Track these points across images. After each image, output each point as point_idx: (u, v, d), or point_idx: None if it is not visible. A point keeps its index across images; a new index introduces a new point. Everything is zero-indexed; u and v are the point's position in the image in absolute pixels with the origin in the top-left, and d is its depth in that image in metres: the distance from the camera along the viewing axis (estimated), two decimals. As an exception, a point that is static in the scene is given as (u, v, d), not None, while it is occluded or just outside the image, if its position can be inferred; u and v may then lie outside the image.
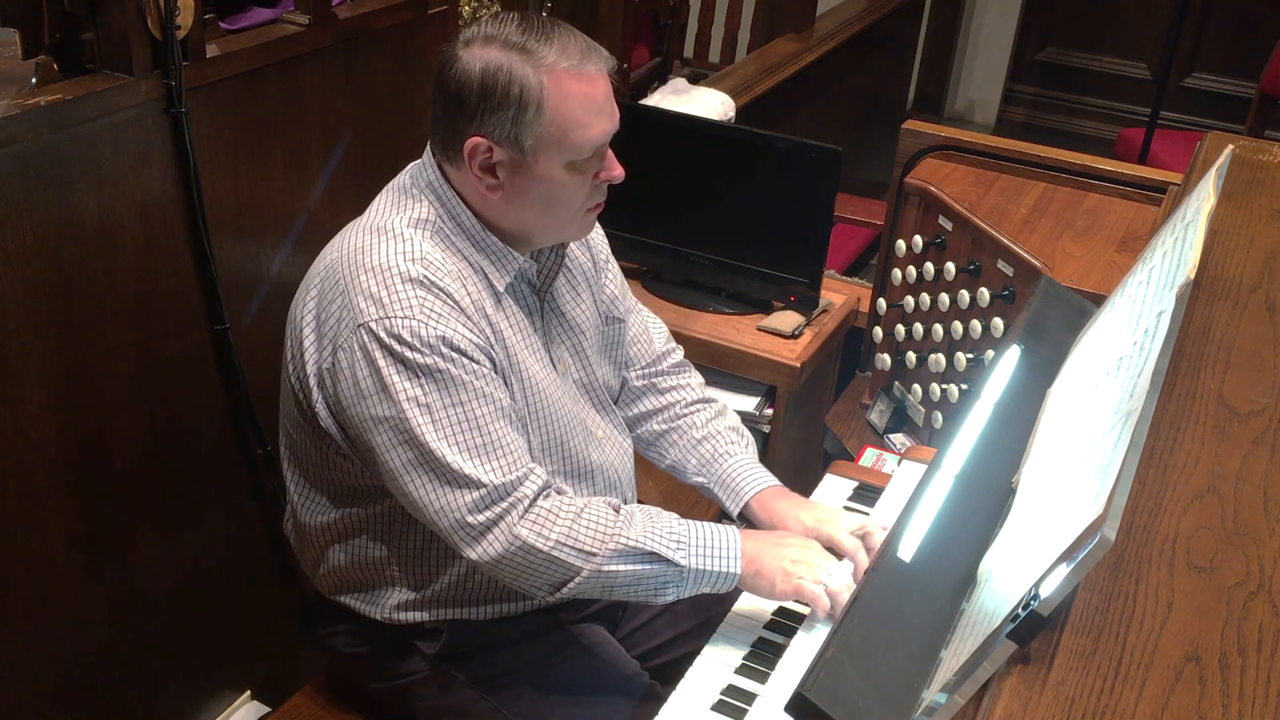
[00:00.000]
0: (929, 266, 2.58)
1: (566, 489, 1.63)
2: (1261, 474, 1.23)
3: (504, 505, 1.49)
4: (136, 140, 1.69)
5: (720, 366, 2.55)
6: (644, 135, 2.55)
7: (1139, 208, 2.56)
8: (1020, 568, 1.07)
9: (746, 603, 1.64)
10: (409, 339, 1.46)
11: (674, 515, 1.59)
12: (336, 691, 1.83)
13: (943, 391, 2.56)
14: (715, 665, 1.54)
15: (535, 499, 1.51)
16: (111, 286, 1.71)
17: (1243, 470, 1.23)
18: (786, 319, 2.58)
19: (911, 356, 2.69)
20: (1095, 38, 5.60)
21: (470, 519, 1.48)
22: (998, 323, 2.38)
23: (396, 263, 1.50)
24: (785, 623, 1.62)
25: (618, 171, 1.57)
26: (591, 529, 1.52)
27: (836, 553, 1.67)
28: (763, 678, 1.52)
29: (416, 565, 1.65)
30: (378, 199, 1.62)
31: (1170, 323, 1.18)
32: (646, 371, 1.87)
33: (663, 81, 3.53)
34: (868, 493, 1.91)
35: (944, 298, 2.52)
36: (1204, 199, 1.47)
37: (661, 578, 1.54)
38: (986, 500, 1.40)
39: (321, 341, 1.54)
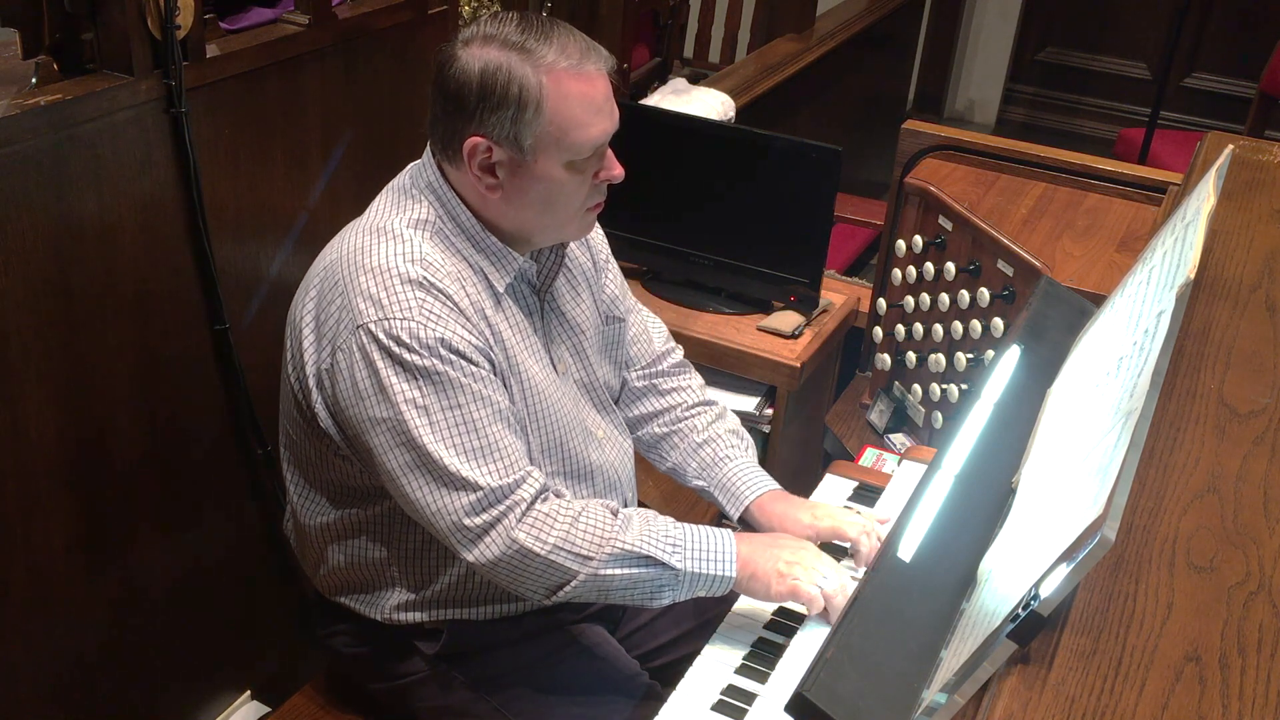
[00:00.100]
0: (929, 266, 2.58)
1: (565, 491, 1.63)
2: (1261, 474, 1.23)
3: (501, 508, 1.49)
4: (136, 140, 1.69)
5: (720, 366, 2.55)
6: (644, 135, 2.55)
7: (1139, 208, 2.56)
8: (1020, 568, 1.07)
9: (746, 603, 1.64)
10: (408, 340, 1.45)
11: (670, 519, 1.59)
12: (336, 692, 1.83)
13: (943, 391, 2.56)
14: (715, 665, 1.54)
15: (533, 502, 1.51)
16: (111, 286, 1.71)
17: (1243, 470, 1.23)
18: (786, 319, 2.58)
19: (911, 356, 2.69)
20: (1095, 38, 5.60)
21: (467, 521, 1.48)
22: (998, 323, 2.38)
23: (396, 264, 1.49)
24: (785, 623, 1.61)
25: (617, 171, 1.57)
26: (588, 533, 1.52)
27: (836, 550, 1.67)
28: (763, 678, 1.52)
29: (416, 566, 1.65)
30: (377, 199, 1.62)
31: (1170, 323, 1.18)
32: (647, 372, 1.87)
33: (663, 81, 3.53)
34: (868, 493, 1.91)
35: (944, 298, 2.52)
36: (1204, 199, 1.47)
37: (657, 581, 1.54)
38: (986, 500, 1.40)
39: (320, 342, 1.54)
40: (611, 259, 1.84)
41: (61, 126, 1.57)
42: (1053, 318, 1.71)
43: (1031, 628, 0.95)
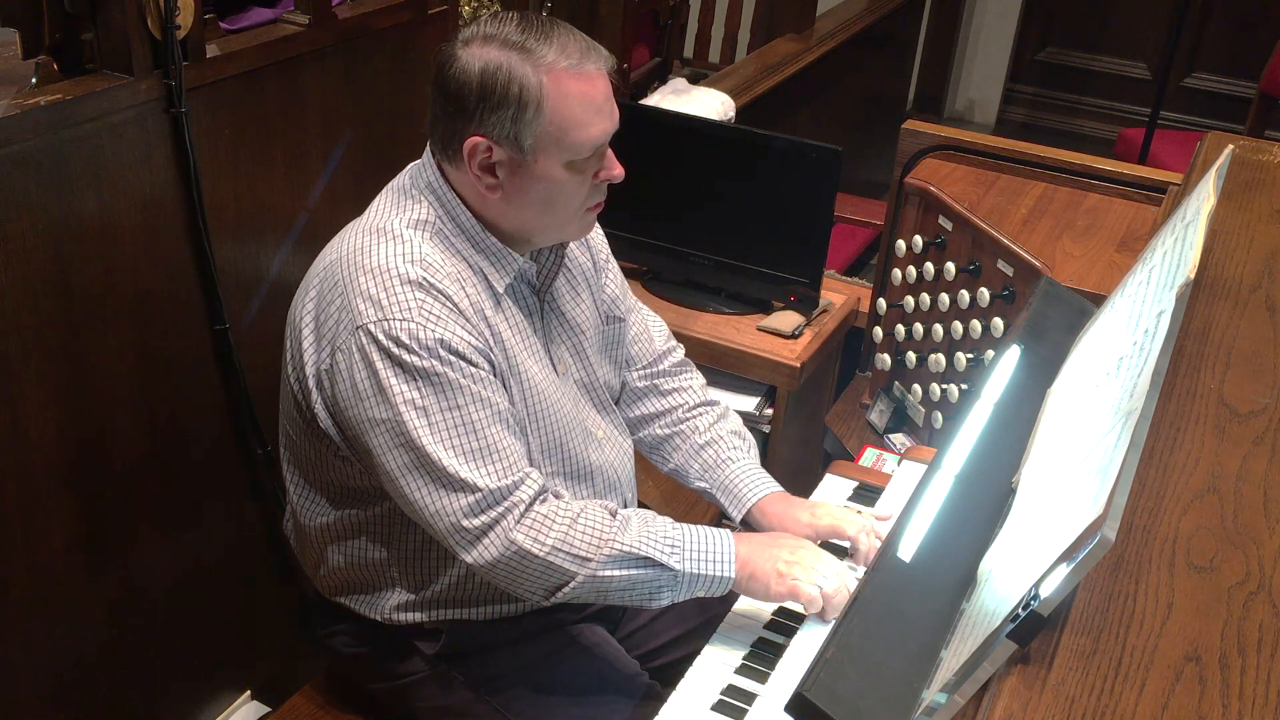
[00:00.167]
0: (929, 266, 2.58)
1: (564, 492, 1.63)
2: (1261, 474, 1.23)
3: (500, 510, 1.49)
4: (136, 140, 1.69)
5: (720, 366, 2.55)
6: (644, 135, 2.55)
7: (1139, 208, 2.56)
8: (1020, 568, 1.07)
9: (746, 603, 1.64)
10: (407, 341, 1.45)
11: (669, 520, 1.59)
12: (336, 692, 1.83)
13: (943, 391, 2.56)
14: (715, 665, 1.54)
15: (531, 504, 1.51)
16: (111, 286, 1.71)
17: (1243, 470, 1.23)
18: (786, 319, 2.58)
19: (911, 356, 2.69)
20: (1095, 38, 5.60)
21: (466, 523, 1.48)
22: (998, 323, 2.38)
23: (395, 264, 1.49)
24: (785, 623, 1.61)
25: (617, 171, 1.57)
26: (587, 534, 1.52)
27: (836, 549, 1.67)
28: (763, 678, 1.52)
29: (416, 566, 1.65)
30: (377, 199, 1.62)
31: (1170, 323, 1.18)
32: (648, 371, 1.87)
33: (663, 81, 3.53)
34: (868, 493, 1.91)
35: (944, 298, 2.52)
36: (1204, 199, 1.47)
37: (656, 582, 1.54)
38: (986, 500, 1.40)
39: (320, 343, 1.54)
40: (611, 259, 1.84)
41: (61, 126, 1.57)
42: (1053, 318, 1.71)
43: (1031, 628, 0.95)
